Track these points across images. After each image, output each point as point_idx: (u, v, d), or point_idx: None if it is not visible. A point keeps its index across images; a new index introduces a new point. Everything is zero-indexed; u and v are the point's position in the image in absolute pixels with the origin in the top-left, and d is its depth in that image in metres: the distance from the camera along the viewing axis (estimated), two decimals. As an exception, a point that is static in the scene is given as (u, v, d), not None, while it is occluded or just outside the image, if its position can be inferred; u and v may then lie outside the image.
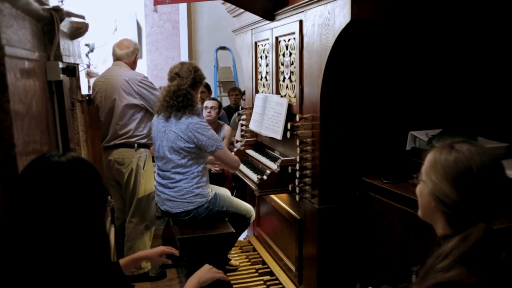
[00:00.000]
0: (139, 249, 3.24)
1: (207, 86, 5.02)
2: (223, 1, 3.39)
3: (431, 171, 1.12)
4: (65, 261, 1.01)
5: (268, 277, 3.13)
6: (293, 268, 2.85)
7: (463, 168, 1.07)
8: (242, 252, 3.62)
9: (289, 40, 2.70)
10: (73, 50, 2.44)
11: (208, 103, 4.15)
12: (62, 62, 1.97)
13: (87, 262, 1.04)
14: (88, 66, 4.46)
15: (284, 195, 2.92)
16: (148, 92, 3.20)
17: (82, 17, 2.33)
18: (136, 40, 5.64)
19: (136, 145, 3.22)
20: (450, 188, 1.08)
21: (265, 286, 3.04)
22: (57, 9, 1.88)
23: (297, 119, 2.51)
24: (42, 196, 1.01)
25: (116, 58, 3.32)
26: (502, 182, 1.09)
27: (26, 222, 1.00)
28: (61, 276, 1.01)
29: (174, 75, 2.77)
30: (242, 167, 3.13)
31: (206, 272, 1.61)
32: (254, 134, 3.48)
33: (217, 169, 3.44)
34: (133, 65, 3.37)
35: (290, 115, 2.69)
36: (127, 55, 3.31)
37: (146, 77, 3.27)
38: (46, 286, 1.00)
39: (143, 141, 3.25)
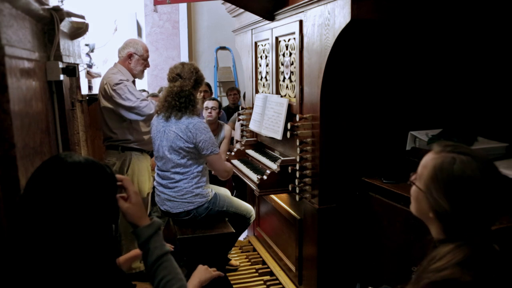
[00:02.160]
0: (131, 251, 3.23)
1: (209, 86, 5.02)
2: (223, 1, 3.39)
3: (431, 185, 1.10)
4: (75, 261, 1.01)
5: (268, 277, 3.13)
6: (293, 268, 2.85)
7: (467, 187, 1.05)
8: (242, 252, 3.62)
9: (289, 40, 2.70)
10: (73, 50, 2.45)
11: (208, 103, 4.15)
12: (62, 62, 1.97)
13: (97, 262, 1.05)
14: (90, 67, 4.46)
15: (284, 195, 2.92)
16: (118, 98, 3.00)
17: (82, 17, 2.34)
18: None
19: (120, 147, 3.14)
20: (451, 206, 1.07)
21: (265, 286, 3.04)
22: (57, 9, 1.88)
23: (297, 119, 2.51)
24: (61, 195, 1.01)
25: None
26: (498, 197, 1.07)
27: (40, 221, 1.00)
28: (71, 275, 1.01)
29: (176, 75, 2.77)
30: (242, 167, 3.13)
31: (204, 272, 1.63)
32: (254, 134, 3.48)
33: None
34: (128, 66, 3.18)
35: (290, 115, 2.69)
36: (119, 52, 3.21)
37: (121, 82, 3.02)
38: (56, 284, 1.00)
39: (129, 145, 3.15)
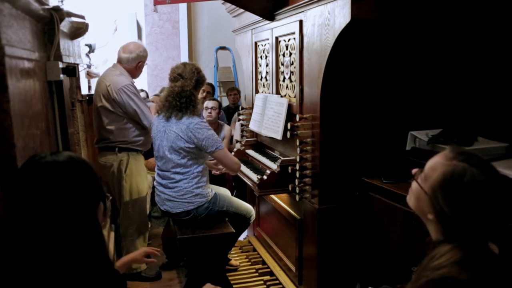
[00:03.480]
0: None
1: (213, 87, 5.02)
2: (223, 1, 3.39)
3: (438, 191, 1.09)
4: (60, 259, 1.02)
5: (268, 277, 3.13)
6: (293, 268, 2.85)
7: (474, 200, 1.05)
8: (242, 252, 3.62)
9: (289, 40, 2.70)
10: (73, 50, 2.44)
11: (208, 103, 4.15)
12: (62, 62, 1.97)
13: (83, 259, 1.05)
14: (89, 67, 4.46)
15: (284, 195, 2.92)
16: (124, 101, 3.05)
17: (82, 17, 2.33)
18: (135, 40, 5.63)
19: (117, 148, 3.15)
20: (455, 214, 1.07)
21: (265, 286, 3.04)
22: (57, 9, 1.88)
23: (297, 119, 2.51)
24: (37, 194, 1.02)
25: (117, 59, 3.26)
26: (500, 208, 1.09)
27: (23, 220, 1.01)
28: (57, 273, 1.01)
29: (177, 75, 2.77)
30: (242, 167, 3.13)
31: None
32: (254, 134, 3.48)
33: (218, 172, 3.43)
34: (134, 71, 3.24)
35: (290, 115, 2.69)
36: (127, 61, 3.20)
37: (129, 85, 3.09)
38: (43, 282, 1.00)
39: (127, 145, 3.16)
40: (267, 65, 3.11)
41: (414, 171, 1.19)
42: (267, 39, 3.02)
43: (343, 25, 2.06)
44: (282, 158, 2.71)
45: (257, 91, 3.38)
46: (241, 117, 3.58)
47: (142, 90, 4.97)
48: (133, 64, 3.22)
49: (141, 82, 5.57)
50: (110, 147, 3.17)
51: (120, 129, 3.13)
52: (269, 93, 3.08)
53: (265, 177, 2.65)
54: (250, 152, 3.37)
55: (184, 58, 6.03)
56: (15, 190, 1.06)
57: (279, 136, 2.75)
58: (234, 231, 2.79)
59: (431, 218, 1.12)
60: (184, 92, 2.70)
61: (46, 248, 1.01)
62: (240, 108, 3.72)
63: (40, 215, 1.01)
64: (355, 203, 2.41)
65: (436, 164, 1.12)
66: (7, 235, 1.06)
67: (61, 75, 1.92)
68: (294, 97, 2.66)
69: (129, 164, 3.18)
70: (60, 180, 1.05)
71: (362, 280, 2.41)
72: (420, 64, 2.42)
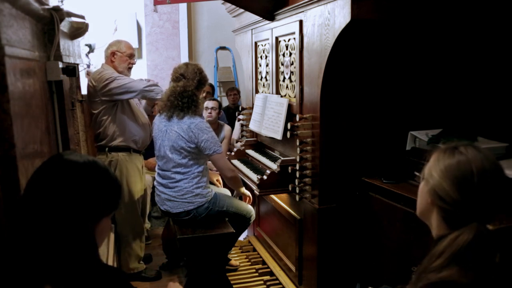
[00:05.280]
0: (129, 254, 3.24)
1: (213, 87, 5.03)
2: (223, 1, 3.39)
3: (433, 169, 1.14)
4: (71, 258, 1.01)
5: (268, 277, 3.13)
6: (293, 268, 2.85)
7: (464, 171, 1.09)
8: (242, 252, 3.62)
9: (289, 40, 2.70)
10: (73, 50, 2.44)
11: (208, 103, 4.14)
12: (62, 62, 1.96)
13: (90, 258, 1.04)
14: (88, 66, 4.47)
15: (284, 195, 2.92)
16: (106, 85, 3.02)
17: (82, 17, 2.33)
18: (135, 40, 5.63)
19: (107, 148, 3.14)
20: (449, 186, 1.09)
21: (265, 286, 3.04)
22: (57, 9, 1.87)
23: (297, 119, 2.51)
24: (58, 194, 1.01)
25: None
26: (500, 188, 1.10)
27: (37, 219, 1.00)
28: (67, 273, 1.01)
29: (179, 75, 2.78)
30: (242, 167, 3.13)
31: None
32: (254, 134, 3.48)
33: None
34: (112, 64, 3.20)
35: (290, 115, 2.69)
36: (105, 55, 3.24)
37: (106, 70, 3.10)
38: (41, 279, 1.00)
39: (115, 142, 3.13)
40: (267, 65, 3.11)
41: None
42: (267, 39, 3.02)
43: (343, 25, 2.07)
44: (282, 158, 2.71)
45: (257, 91, 3.38)
46: (241, 117, 3.58)
47: None
48: (107, 53, 3.22)
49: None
50: (102, 147, 3.17)
51: (107, 124, 3.13)
52: (269, 93, 3.08)
53: (265, 177, 2.65)
54: (250, 152, 3.38)
55: (184, 58, 6.02)
56: (29, 185, 1.05)
57: (279, 136, 2.75)
58: (234, 231, 2.80)
59: (429, 202, 1.14)
60: (186, 92, 2.71)
61: (53, 247, 1.01)
62: (240, 108, 3.72)
63: (40, 209, 1.01)
64: (355, 203, 2.42)
65: (431, 157, 1.19)
66: (7, 235, 1.05)
67: (61, 75, 1.92)
68: (294, 97, 2.66)
69: (119, 165, 3.14)
70: (70, 180, 1.04)
71: (362, 280, 2.41)
72: (420, 64, 2.42)
